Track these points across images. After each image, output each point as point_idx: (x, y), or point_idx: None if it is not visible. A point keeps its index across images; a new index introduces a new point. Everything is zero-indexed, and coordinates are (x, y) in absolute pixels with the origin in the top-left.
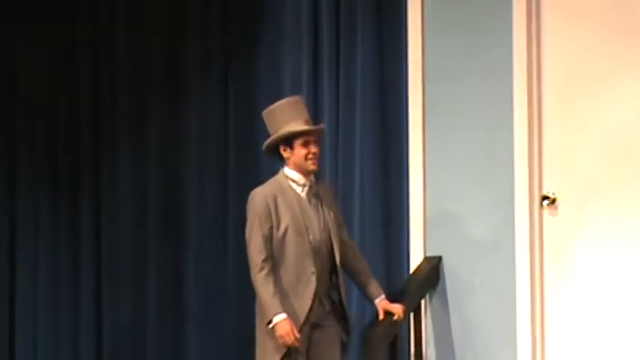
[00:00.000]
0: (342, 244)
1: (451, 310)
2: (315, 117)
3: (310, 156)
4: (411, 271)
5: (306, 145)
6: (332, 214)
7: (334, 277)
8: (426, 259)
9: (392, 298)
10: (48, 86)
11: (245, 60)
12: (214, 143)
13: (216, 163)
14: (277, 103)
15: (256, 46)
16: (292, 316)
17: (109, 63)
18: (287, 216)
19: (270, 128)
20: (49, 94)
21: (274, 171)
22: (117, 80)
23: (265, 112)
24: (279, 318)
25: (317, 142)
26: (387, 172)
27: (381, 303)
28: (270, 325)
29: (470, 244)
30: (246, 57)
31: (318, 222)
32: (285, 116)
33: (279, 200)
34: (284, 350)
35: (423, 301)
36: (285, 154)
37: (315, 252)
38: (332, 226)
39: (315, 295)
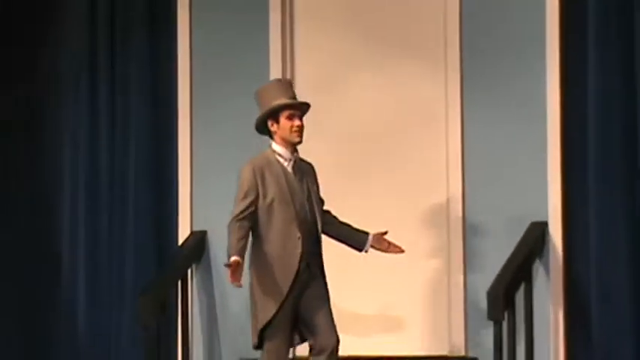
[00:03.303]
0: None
1: (214, 280)
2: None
3: (295, 128)
4: (180, 243)
5: (290, 118)
6: (315, 187)
7: (317, 245)
8: (193, 233)
9: (159, 272)
10: None
11: None
12: None
13: None
14: (266, 84)
15: None
16: (280, 278)
17: None
18: (273, 187)
19: (259, 107)
20: None
21: None
22: None
23: (256, 92)
24: (233, 258)
25: (300, 118)
26: (159, 160)
27: (376, 236)
28: (226, 262)
29: None
30: None
31: (302, 193)
32: (272, 94)
33: (266, 172)
34: (269, 317)
35: (189, 271)
36: (272, 129)
37: (300, 219)
38: (314, 198)
39: (302, 257)
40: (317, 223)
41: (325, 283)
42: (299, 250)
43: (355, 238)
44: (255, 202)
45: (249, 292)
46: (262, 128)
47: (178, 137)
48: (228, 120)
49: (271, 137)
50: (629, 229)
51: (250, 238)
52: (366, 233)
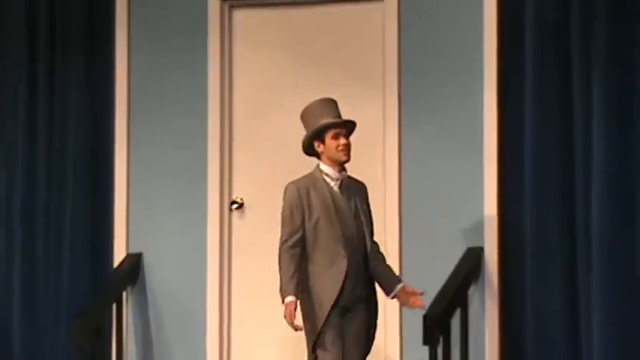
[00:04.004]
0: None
1: (149, 302)
2: None
3: (341, 147)
4: (115, 266)
5: (336, 137)
6: (365, 206)
7: (366, 267)
8: (128, 255)
9: (93, 295)
10: None
11: None
12: None
13: None
14: (310, 104)
15: None
16: (325, 295)
17: None
18: (319, 207)
19: (305, 128)
20: None
21: None
22: None
23: (301, 113)
24: (289, 299)
25: (347, 136)
26: (95, 185)
27: (406, 289)
28: (282, 303)
29: (167, 242)
30: None
31: (350, 213)
32: (317, 114)
33: (312, 193)
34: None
35: (124, 294)
36: (319, 150)
37: (346, 239)
38: (364, 218)
39: (347, 276)
40: (365, 244)
41: (372, 309)
42: (344, 269)
43: (387, 280)
44: (302, 224)
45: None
46: (310, 150)
47: (115, 159)
48: (165, 142)
49: (319, 158)
50: (565, 255)
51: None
52: (399, 281)
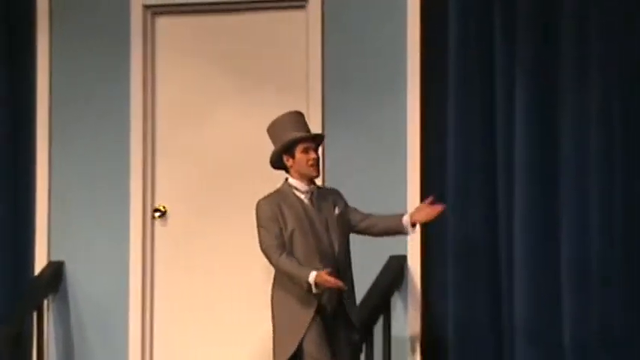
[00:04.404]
0: (362, 220)
1: (71, 311)
2: None
3: (311, 162)
4: (36, 274)
5: (306, 151)
6: (336, 212)
7: (344, 277)
8: (50, 263)
9: (14, 303)
10: None
11: None
12: None
13: None
14: (277, 117)
15: None
16: (301, 314)
17: None
18: (292, 219)
19: (273, 142)
20: None
21: None
22: None
23: (268, 127)
24: (313, 275)
25: (316, 150)
26: (16, 193)
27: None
28: (313, 287)
29: (89, 250)
30: None
31: (322, 225)
32: (285, 127)
33: (284, 207)
34: (297, 341)
35: (45, 302)
36: (288, 163)
37: (320, 252)
38: (336, 228)
39: (322, 291)
40: (341, 256)
41: (351, 323)
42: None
43: (392, 226)
44: (281, 233)
45: (272, 323)
46: (278, 164)
47: (37, 167)
48: (87, 150)
49: (287, 172)
50: (487, 263)
51: (274, 271)
52: (402, 215)
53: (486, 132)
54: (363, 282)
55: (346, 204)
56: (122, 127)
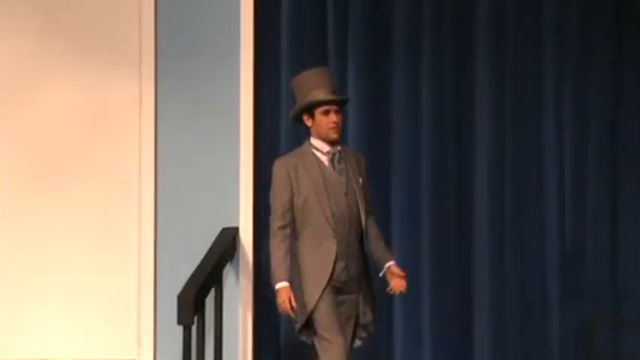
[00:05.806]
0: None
1: None
2: None
3: (331, 125)
4: None
5: (326, 113)
6: (360, 180)
7: (360, 244)
8: None
9: None
10: None
11: None
12: None
13: None
14: (302, 73)
15: None
16: (317, 276)
17: None
18: (308, 184)
19: (297, 97)
20: None
21: None
22: None
23: (293, 80)
24: (280, 285)
25: (338, 112)
26: None
27: (391, 269)
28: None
29: None
30: None
31: (341, 188)
32: (309, 85)
33: (300, 169)
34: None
35: None
36: (307, 123)
37: (336, 218)
38: (358, 192)
39: (336, 258)
40: (359, 221)
41: (366, 290)
42: (333, 251)
43: (377, 258)
44: (291, 203)
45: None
46: (298, 120)
47: None
48: None
49: (308, 130)
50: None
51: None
52: (389, 259)
53: None
54: (195, 254)
55: (366, 183)
56: None
